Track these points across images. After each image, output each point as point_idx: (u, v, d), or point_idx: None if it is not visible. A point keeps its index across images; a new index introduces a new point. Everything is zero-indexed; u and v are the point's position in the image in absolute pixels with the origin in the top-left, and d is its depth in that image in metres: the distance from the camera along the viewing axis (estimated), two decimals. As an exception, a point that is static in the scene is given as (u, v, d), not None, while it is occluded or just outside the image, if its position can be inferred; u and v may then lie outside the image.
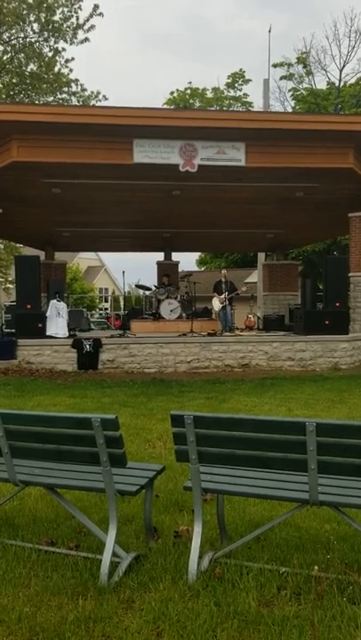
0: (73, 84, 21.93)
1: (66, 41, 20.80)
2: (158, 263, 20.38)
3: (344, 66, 34.57)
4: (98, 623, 2.57)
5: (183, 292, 16.17)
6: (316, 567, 2.84)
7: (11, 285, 21.43)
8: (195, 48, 62.96)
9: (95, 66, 55.88)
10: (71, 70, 21.89)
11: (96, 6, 20.20)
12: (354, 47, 44.62)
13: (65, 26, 20.53)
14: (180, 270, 21.11)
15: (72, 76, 21.92)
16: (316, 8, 53.01)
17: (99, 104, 21.69)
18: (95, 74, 54.58)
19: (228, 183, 12.23)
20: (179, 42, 65.46)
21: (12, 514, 3.91)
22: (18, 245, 23.47)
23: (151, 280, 21.54)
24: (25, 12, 20.00)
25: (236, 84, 33.91)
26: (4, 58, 21.03)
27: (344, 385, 10.09)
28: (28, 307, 12.56)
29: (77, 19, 20.56)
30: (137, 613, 2.64)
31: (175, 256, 20.98)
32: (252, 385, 10.15)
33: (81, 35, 20.75)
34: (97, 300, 42.52)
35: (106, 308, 42.46)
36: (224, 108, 31.34)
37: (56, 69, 21.43)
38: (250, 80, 33.78)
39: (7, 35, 20.70)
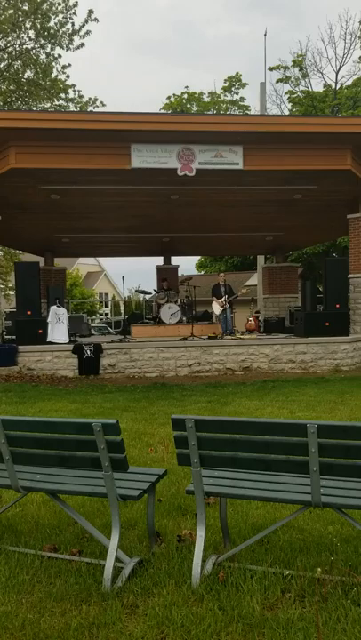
0: (70, 91, 22.01)
1: (62, 47, 20.89)
2: (158, 267, 20.41)
3: (340, 68, 34.77)
4: (102, 629, 2.56)
5: (183, 296, 16.18)
6: (320, 569, 2.83)
7: (11, 292, 21.44)
8: (189, 52, 63.23)
9: (90, 72, 56.10)
10: (68, 76, 22.02)
11: (91, 11, 20.30)
12: (350, 49, 44.94)
13: (61, 32, 20.61)
14: (179, 274, 21.13)
15: (69, 82, 22.02)
16: (311, 12, 53.23)
17: (96, 110, 21.75)
18: (90, 79, 54.75)
19: (226, 187, 12.25)
20: (172, 47, 65.76)
21: (14, 520, 3.90)
22: (17, 252, 23.52)
23: (151, 284, 21.57)
24: (21, 19, 20.05)
25: (233, 88, 34.05)
26: (1, 65, 21.09)
27: (346, 386, 10.08)
28: (29, 313, 12.58)
29: (73, 25, 20.67)
30: (141, 618, 2.63)
31: (175, 260, 21.03)
32: (253, 388, 10.15)
33: (77, 40, 20.88)
34: (97, 306, 42.53)
35: (106, 314, 42.48)
36: (221, 112, 31.42)
37: (53, 76, 21.49)
38: (246, 84, 33.97)
39: (3, 42, 20.76)
